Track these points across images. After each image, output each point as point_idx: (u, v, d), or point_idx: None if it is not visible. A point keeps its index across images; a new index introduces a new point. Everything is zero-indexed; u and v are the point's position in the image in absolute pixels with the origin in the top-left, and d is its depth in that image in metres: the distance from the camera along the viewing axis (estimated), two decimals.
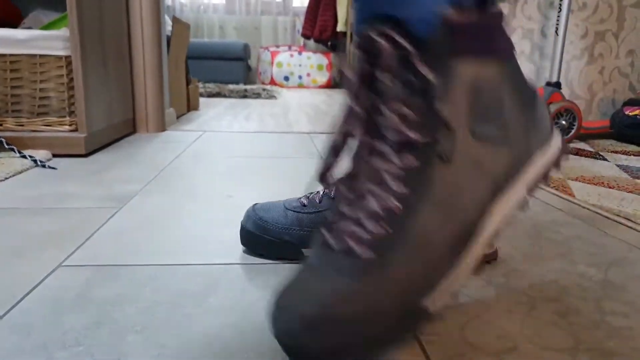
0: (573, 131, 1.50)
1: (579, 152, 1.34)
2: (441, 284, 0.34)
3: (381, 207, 0.34)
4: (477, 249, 0.36)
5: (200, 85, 3.24)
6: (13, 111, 1.06)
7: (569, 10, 1.54)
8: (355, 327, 0.31)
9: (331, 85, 4.12)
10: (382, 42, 0.33)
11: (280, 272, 0.48)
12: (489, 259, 0.52)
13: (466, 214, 0.35)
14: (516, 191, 0.39)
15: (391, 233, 0.34)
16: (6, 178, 0.83)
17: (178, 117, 1.81)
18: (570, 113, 1.49)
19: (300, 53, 4.07)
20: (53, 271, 0.47)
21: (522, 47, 1.71)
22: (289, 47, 4.15)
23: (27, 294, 0.43)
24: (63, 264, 0.49)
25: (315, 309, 0.32)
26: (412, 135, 0.34)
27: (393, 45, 0.33)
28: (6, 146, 0.96)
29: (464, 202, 0.35)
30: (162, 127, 1.47)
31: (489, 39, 0.36)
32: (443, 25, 0.33)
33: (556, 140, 0.43)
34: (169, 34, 1.72)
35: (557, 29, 1.56)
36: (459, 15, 0.33)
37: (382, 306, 0.32)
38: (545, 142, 0.41)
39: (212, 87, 3.13)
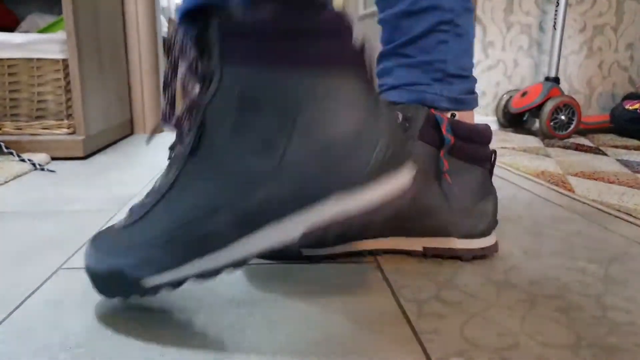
0: (572, 126, 1.50)
1: (578, 147, 1.34)
2: (163, 272, 0.35)
3: (161, 183, 0.37)
4: (211, 263, 0.35)
5: None
6: (11, 115, 1.06)
7: (567, 4, 1.54)
8: (91, 271, 0.39)
9: None
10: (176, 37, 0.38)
11: (279, 273, 0.48)
12: (488, 252, 0.52)
13: (196, 225, 0.34)
14: (282, 229, 0.33)
15: (153, 205, 0.37)
16: (5, 182, 0.83)
17: None
18: (569, 108, 1.49)
19: None
20: (53, 274, 0.47)
21: (520, 42, 1.71)
22: None
23: (28, 297, 0.43)
24: (63, 267, 0.49)
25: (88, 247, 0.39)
26: (173, 125, 0.36)
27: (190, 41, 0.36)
28: (5, 150, 0.96)
29: (195, 211, 0.34)
30: (159, 128, 1.47)
31: (259, 45, 0.33)
32: (212, 28, 0.33)
33: (394, 183, 0.33)
34: (165, 35, 1.72)
35: (555, 23, 1.55)
36: (223, 18, 0.33)
37: (104, 261, 0.37)
38: (363, 183, 0.32)
39: None
